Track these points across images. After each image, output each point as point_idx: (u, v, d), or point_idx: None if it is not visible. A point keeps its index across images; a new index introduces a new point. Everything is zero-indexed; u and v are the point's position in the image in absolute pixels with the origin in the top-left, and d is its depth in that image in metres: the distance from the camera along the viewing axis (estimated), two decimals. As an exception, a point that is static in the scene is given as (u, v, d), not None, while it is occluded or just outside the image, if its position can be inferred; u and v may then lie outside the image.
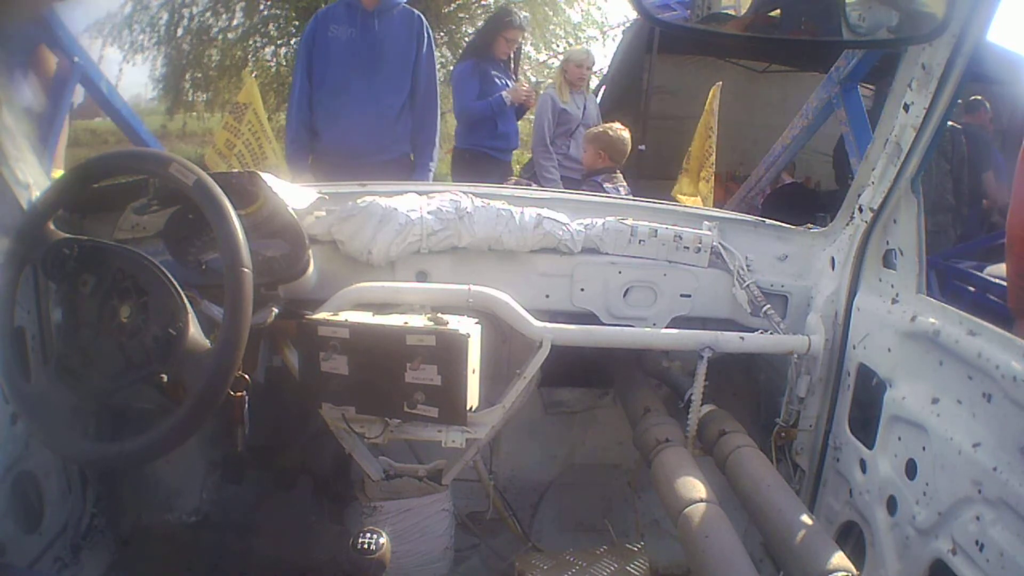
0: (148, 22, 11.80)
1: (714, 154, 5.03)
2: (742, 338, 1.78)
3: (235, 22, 12.27)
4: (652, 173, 5.91)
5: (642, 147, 5.76)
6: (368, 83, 3.42)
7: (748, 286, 1.88)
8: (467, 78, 4.26)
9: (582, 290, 1.90)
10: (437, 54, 4.11)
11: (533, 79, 12.00)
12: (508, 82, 4.39)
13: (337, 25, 3.43)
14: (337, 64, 3.41)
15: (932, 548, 1.37)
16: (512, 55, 4.55)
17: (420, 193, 1.89)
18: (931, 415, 1.41)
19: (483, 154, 4.28)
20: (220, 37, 12.29)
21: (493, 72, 4.29)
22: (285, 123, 3.73)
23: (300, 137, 3.53)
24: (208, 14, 12.05)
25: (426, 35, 3.52)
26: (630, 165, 5.90)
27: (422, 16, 3.56)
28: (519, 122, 4.65)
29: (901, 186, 1.57)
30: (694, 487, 1.57)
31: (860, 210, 1.71)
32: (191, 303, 1.41)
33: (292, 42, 12.51)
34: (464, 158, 4.42)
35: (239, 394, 1.54)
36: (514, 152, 4.84)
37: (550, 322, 1.76)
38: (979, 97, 5.42)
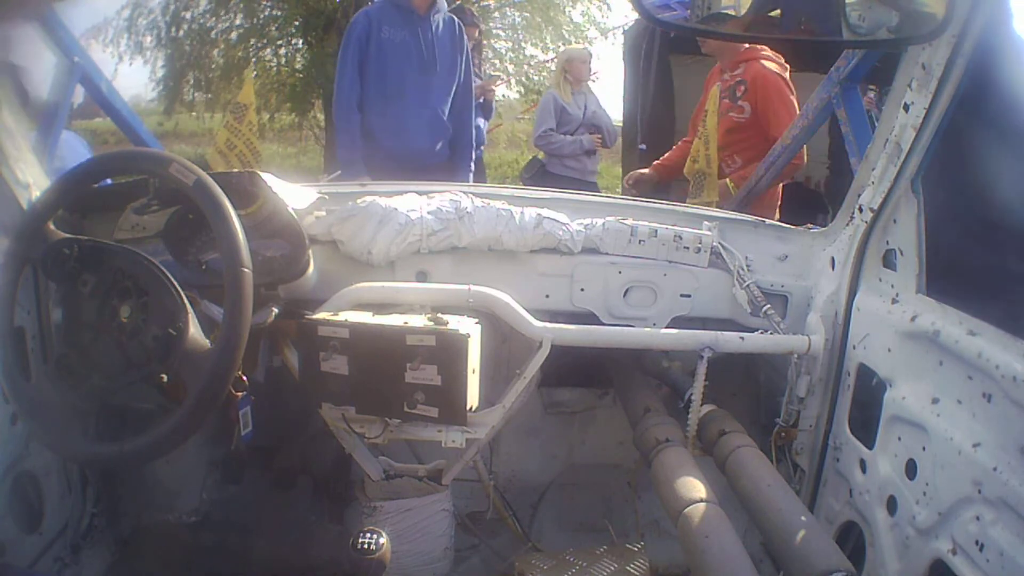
0: (150, 23, 11.83)
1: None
2: (742, 338, 1.78)
3: (236, 22, 12.30)
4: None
5: (643, 146, 5.77)
6: (424, 87, 3.46)
7: (748, 286, 1.88)
8: None
9: (582, 290, 1.90)
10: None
11: (503, 75, 12.05)
12: None
13: (390, 27, 3.41)
14: (393, 66, 3.40)
15: (932, 548, 1.37)
16: (474, 50, 4.58)
17: (420, 193, 1.89)
18: (931, 415, 1.41)
19: None
20: (221, 38, 12.31)
21: None
22: (336, 123, 3.59)
23: (356, 140, 3.45)
24: (209, 15, 12.08)
25: (465, 40, 3.61)
26: (631, 165, 5.91)
27: (462, 24, 3.64)
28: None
29: (901, 186, 1.57)
30: (694, 487, 1.57)
31: (860, 210, 1.71)
32: (191, 303, 1.42)
33: (292, 43, 12.54)
34: None
35: (238, 394, 1.54)
36: (516, 153, 4.89)
37: (550, 322, 1.76)
38: None
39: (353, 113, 3.43)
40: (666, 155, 3.84)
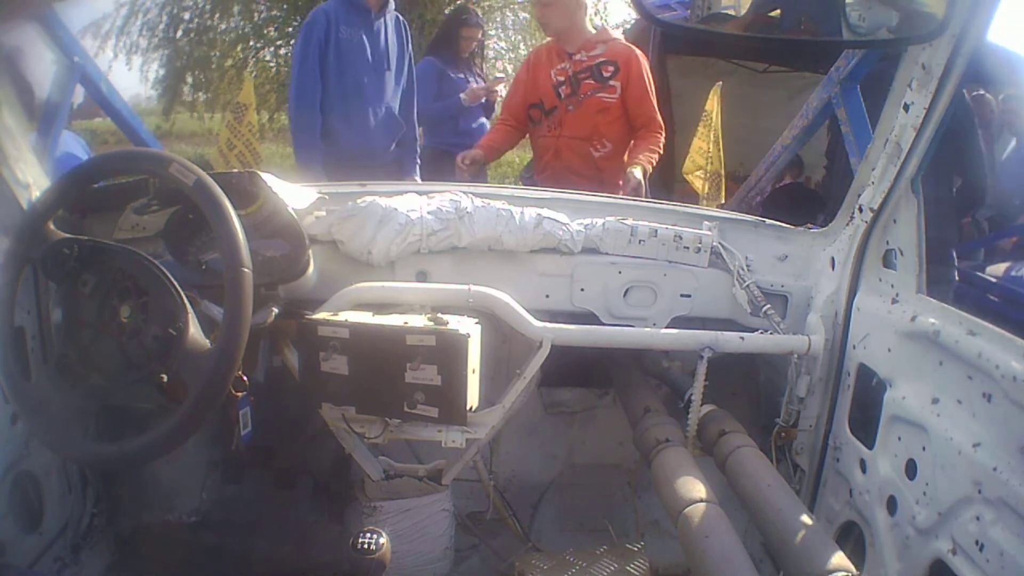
0: (147, 23, 11.83)
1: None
2: (742, 338, 1.78)
3: (234, 23, 12.30)
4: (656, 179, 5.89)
5: None
6: (379, 84, 3.52)
7: (748, 286, 1.88)
8: (424, 78, 4.27)
9: (582, 290, 1.90)
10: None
11: (504, 74, 12.10)
12: (471, 79, 4.49)
13: (347, 26, 3.44)
14: (351, 65, 3.44)
15: (932, 548, 1.37)
16: (476, 51, 4.67)
17: (420, 193, 1.89)
18: (931, 415, 1.41)
19: (447, 152, 4.25)
20: (220, 38, 12.32)
21: (451, 72, 4.40)
22: (296, 124, 3.63)
23: (315, 140, 3.45)
24: (207, 15, 12.08)
25: (410, 39, 3.69)
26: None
27: (406, 22, 3.76)
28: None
29: (901, 186, 1.57)
30: (694, 487, 1.57)
31: (860, 210, 1.71)
32: (191, 303, 1.41)
33: (291, 43, 12.54)
34: (427, 155, 4.46)
35: (238, 394, 1.54)
36: (517, 153, 4.92)
37: (550, 322, 1.76)
38: (981, 92, 5.32)
39: (315, 114, 3.42)
40: (490, 135, 3.61)
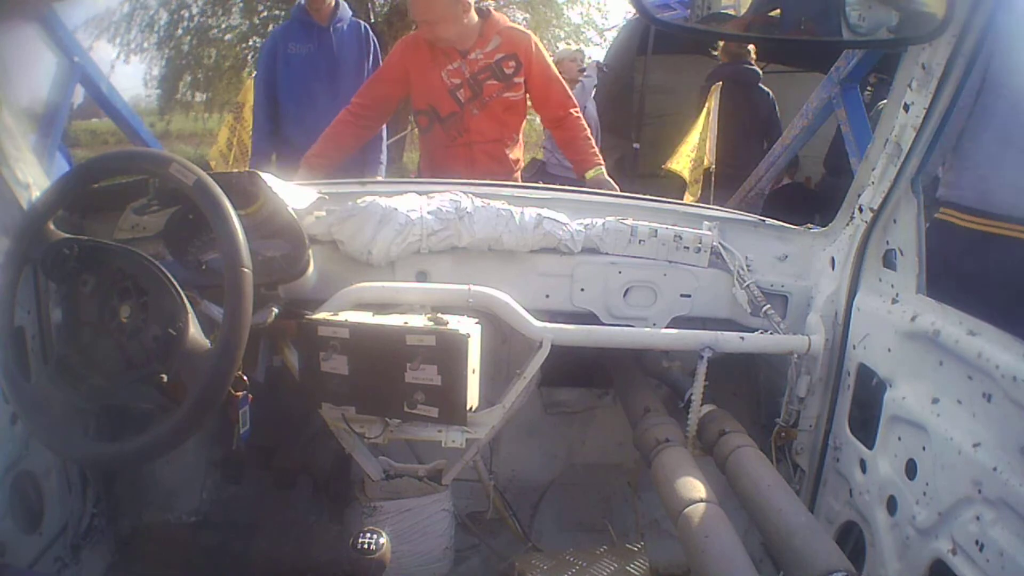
0: (147, 22, 11.83)
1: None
2: (742, 338, 1.78)
3: (235, 22, 12.30)
4: (647, 172, 5.91)
5: (636, 145, 5.79)
6: (331, 93, 3.68)
7: (748, 286, 1.88)
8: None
9: (582, 290, 1.90)
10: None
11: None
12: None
13: (296, 43, 3.78)
14: (300, 79, 3.75)
15: (932, 548, 1.37)
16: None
17: (420, 193, 1.89)
18: (931, 415, 1.41)
19: None
20: (220, 37, 12.31)
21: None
22: (252, 132, 4.13)
23: (263, 148, 3.85)
24: (207, 15, 12.08)
25: (372, 44, 3.91)
26: (628, 164, 5.92)
27: (368, 26, 3.97)
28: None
29: (901, 186, 1.57)
30: (694, 487, 1.57)
31: (860, 210, 1.71)
32: (191, 303, 1.41)
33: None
34: None
35: (238, 394, 1.54)
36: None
37: (550, 322, 1.76)
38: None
39: (266, 123, 3.86)
40: (334, 141, 2.93)
